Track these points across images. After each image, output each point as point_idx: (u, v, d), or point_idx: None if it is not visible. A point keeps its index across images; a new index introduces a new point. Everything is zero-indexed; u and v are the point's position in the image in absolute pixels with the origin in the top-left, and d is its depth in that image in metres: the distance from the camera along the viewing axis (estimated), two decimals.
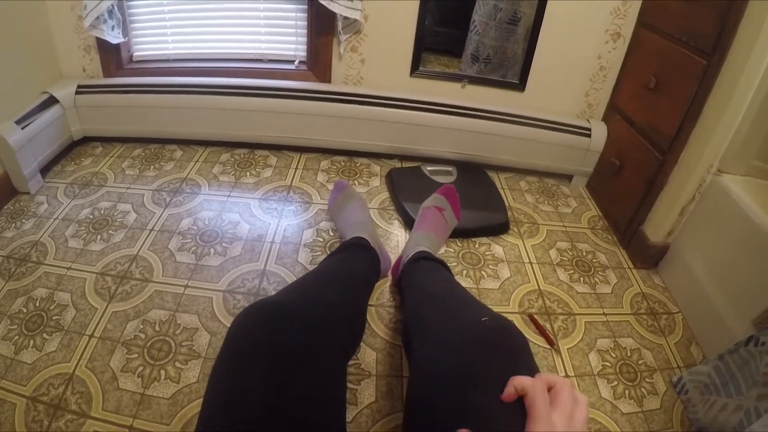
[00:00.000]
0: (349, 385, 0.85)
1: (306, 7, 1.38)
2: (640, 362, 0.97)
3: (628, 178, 1.29)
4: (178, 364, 0.87)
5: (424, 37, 1.38)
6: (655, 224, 1.19)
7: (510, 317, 1.02)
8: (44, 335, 0.90)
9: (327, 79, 1.47)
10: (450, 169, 1.45)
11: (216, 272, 1.07)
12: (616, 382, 0.92)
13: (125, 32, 1.38)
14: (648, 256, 1.21)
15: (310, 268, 1.10)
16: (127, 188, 1.33)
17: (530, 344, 0.96)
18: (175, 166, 1.44)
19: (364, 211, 1.13)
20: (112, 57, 1.42)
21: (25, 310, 0.95)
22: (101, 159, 1.46)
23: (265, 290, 1.03)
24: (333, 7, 1.25)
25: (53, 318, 0.94)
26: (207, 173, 1.42)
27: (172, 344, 0.91)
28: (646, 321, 1.07)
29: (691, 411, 0.87)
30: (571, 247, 1.26)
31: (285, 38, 1.47)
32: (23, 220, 1.19)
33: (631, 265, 1.23)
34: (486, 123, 1.40)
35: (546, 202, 1.44)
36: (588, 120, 1.46)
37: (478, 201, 1.31)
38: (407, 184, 1.37)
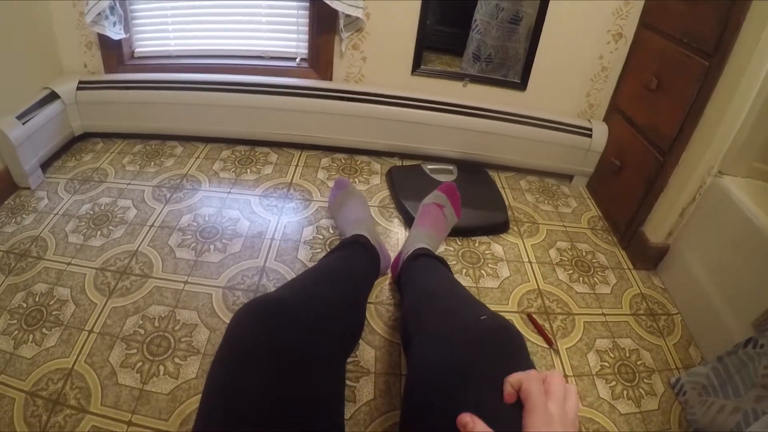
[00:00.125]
0: (347, 382, 0.85)
1: (308, 4, 1.38)
2: (638, 363, 0.97)
3: (629, 179, 1.29)
4: (177, 360, 0.87)
5: (426, 35, 1.38)
6: (655, 225, 1.19)
7: (509, 316, 1.02)
8: (44, 330, 0.90)
9: (328, 76, 1.47)
10: (450, 167, 1.45)
11: (216, 269, 1.07)
12: (614, 383, 0.92)
13: (127, 28, 1.38)
14: (647, 257, 1.21)
15: (310, 265, 1.10)
16: (128, 184, 1.33)
17: (529, 344, 0.97)
18: (176, 163, 1.44)
19: (365, 208, 1.13)
20: (114, 53, 1.42)
21: (24, 305, 0.95)
22: (102, 155, 1.46)
23: (264, 287, 1.03)
24: (335, 5, 1.25)
25: (53, 313, 0.94)
26: (207, 170, 1.42)
27: (172, 340, 0.91)
28: (645, 322, 1.07)
29: (689, 412, 0.87)
30: (570, 247, 1.26)
31: (286, 35, 1.47)
32: (23, 216, 1.19)
33: (631, 266, 1.23)
34: (487, 122, 1.40)
35: (546, 201, 1.44)
36: (589, 120, 1.46)
37: (479, 200, 1.31)
38: (407, 182, 1.37)
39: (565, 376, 0.93)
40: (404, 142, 1.47)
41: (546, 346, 0.98)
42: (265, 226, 1.21)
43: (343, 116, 1.42)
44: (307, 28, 1.42)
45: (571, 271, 1.18)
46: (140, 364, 0.86)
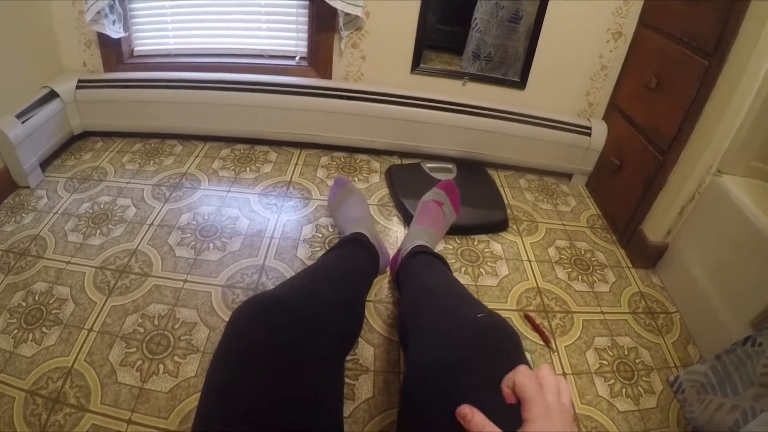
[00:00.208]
0: (346, 380, 0.86)
1: (307, 2, 1.37)
2: (637, 361, 0.98)
3: (628, 178, 1.29)
4: (176, 359, 0.87)
5: (425, 34, 1.38)
6: (654, 224, 1.19)
7: (508, 315, 1.03)
8: (43, 329, 0.91)
9: (327, 75, 1.46)
10: (450, 166, 1.45)
11: (215, 267, 1.07)
12: (613, 381, 0.93)
13: (126, 27, 1.38)
14: (646, 256, 1.21)
15: (309, 263, 1.10)
16: (127, 183, 1.33)
17: (527, 342, 0.97)
18: (175, 161, 1.44)
19: (364, 207, 1.13)
20: (113, 52, 1.42)
21: (24, 304, 0.95)
22: (101, 153, 1.46)
23: (264, 285, 1.04)
24: (335, 3, 1.25)
25: (52, 312, 0.94)
26: (207, 168, 1.42)
27: (171, 338, 0.91)
28: (643, 320, 1.08)
29: (688, 410, 0.87)
30: (569, 246, 1.26)
31: (286, 34, 1.47)
32: (23, 214, 1.19)
33: (630, 264, 1.23)
34: (486, 121, 1.40)
35: (545, 200, 1.44)
36: (588, 119, 1.46)
37: (478, 198, 1.31)
38: (407, 180, 1.37)
39: (564, 374, 0.93)
40: (403, 140, 1.47)
41: (543, 344, 0.98)
42: (264, 225, 1.21)
43: (342, 115, 1.42)
44: (306, 27, 1.42)
45: (570, 270, 1.18)
46: (140, 362, 0.86)
